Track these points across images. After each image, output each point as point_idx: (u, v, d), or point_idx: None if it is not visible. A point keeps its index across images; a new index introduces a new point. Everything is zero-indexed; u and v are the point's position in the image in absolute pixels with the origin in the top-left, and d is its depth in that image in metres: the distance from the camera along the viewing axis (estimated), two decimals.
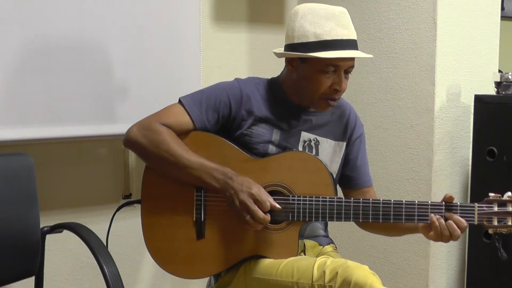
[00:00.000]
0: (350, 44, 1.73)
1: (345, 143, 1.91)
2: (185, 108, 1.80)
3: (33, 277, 1.98)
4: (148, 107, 2.28)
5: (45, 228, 1.98)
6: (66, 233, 2.00)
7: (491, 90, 2.65)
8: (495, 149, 2.52)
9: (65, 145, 2.36)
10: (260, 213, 1.67)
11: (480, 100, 2.61)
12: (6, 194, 1.87)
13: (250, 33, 2.83)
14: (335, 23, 1.71)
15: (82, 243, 1.87)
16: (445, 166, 2.59)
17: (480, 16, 2.67)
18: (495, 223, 1.70)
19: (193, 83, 2.46)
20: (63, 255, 2.39)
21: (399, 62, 2.65)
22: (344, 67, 1.74)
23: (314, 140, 1.86)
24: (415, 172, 2.61)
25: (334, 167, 1.88)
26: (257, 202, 1.68)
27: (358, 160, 1.94)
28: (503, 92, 2.60)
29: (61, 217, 2.26)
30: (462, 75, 2.64)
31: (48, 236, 2.00)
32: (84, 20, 2.19)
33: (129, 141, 1.81)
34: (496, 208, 1.70)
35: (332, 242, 1.97)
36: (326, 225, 1.98)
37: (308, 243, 1.89)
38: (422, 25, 2.55)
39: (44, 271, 2.00)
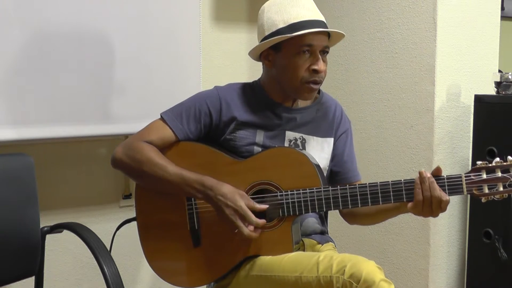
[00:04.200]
0: (318, 23, 1.77)
1: (332, 139, 1.92)
2: (166, 123, 1.83)
3: (33, 277, 1.98)
4: (148, 107, 2.29)
5: (45, 228, 1.99)
6: (66, 233, 2.00)
7: (491, 90, 2.65)
8: (495, 149, 2.52)
9: (65, 145, 2.36)
10: (245, 230, 1.70)
11: (480, 100, 2.61)
12: (6, 194, 1.87)
13: (250, 33, 2.83)
14: (300, 8, 1.78)
15: (82, 243, 1.87)
16: (445, 166, 2.58)
17: (480, 16, 2.67)
18: (486, 190, 1.65)
19: (193, 83, 2.47)
20: (63, 255, 2.39)
21: (399, 62, 2.65)
22: (318, 47, 1.77)
23: (300, 138, 1.87)
24: (415, 172, 2.59)
25: (324, 164, 1.88)
26: (242, 218, 1.70)
27: (344, 156, 1.94)
28: (503, 92, 2.60)
29: (61, 217, 2.26)
30: (462, 75, 2.64)
31: (48, 236, 2.00)
32: (84, 20, 2.20)
33: (115, 161, 1.86)
34: (484, 176, 1.65)
35: (332, 241, 1.97)
36: (322, 220, 1.97)
37: (307, 241, 1.89)
38: (422, 25, 2.55)
39: (44, 271, 2.00)
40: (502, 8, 3.03)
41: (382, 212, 1.84)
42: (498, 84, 2.61)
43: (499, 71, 2.75)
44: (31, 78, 2.11)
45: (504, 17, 3.12)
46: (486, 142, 2.56)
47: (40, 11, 2.10)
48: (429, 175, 1.68)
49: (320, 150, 1.89)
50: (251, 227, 1.71)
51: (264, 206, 1.73)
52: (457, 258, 2.71)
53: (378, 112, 2.74)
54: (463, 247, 2.73)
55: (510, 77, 2.59)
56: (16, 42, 2.07)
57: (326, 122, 1.92)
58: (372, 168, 2.75)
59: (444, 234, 2.64)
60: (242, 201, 1.70)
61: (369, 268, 1.58)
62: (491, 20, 2.74)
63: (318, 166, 1.80)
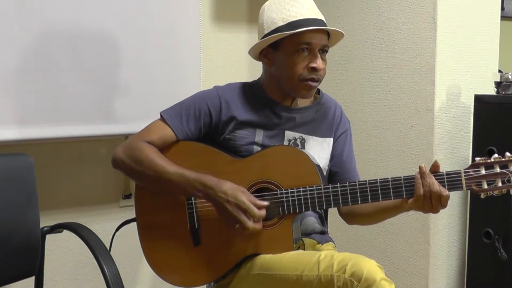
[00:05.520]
0: (317, 22, 1.78)
1: (332, 139, 1.92)
2: (166, 122, 1.84)
3: (33, 277, 1.98)
4: (148, 107, 2.30)
5: (45, 228, 1.99)
6: (66, 233, 2.00)
7: (491, 90, 2.65)
8: (495, 149, 2.51)
9: (65, 145, 2.36)
10: (249, 224, 1.69)
11: (480, 100, 2.61)
12: (6, 194, 1.87)
13: (250, 33, 2.83)
14: (300, 6, 1.79)
15: (82, 243, 1.87)
16: (445, 166, 2.58)
17: (480, 16, 2.67)
18: (485, 186, 1.67)
19: (193, 83, 2.47)
20: (63, 255, 2.40)
21: (399, 62, 2.65)
22: (317, 46, 1.78)
23: (299, 138, 1.87)
24: (415, 172, 2.60)
25: (323, 164, 1.89)
26: (245, 212, 1.69)
27: (343, 156, 1.94)
28: (503, 92, 2.60)
29: (61, 217, 2.26)
30: (462, 75, 2.64)
31: (48, 236, 2.00)
32: (84, 20, 2.20)
33: (115, 162, 1.86)
34: (483, 171, 1.67)
35: (332, 241, 1.97)
36: (322, 220, 1.97)
37: (307, 241, 1.89)
38: (422, 25, 2.55)
39: (44, 271, 2.01)
40: (502, 8, 3.03)
41: (381, 212, 1.84)
42: (498, 84, 2.61)
43: (499, 71, 2.75)
44: (31, 78, 2.11)
45: (504, 17, 3.11)
46: (486, 142, 2.56)
47: (40, 11, 2.10)
48: (428, 170, 1.68)
49: (319, 150, 1.89)
50: (257, 223, 1.71)
51: (265, 203, 1.73)
52: (457, 258, 2.71)
53: (378, 112, 2.74)
54: (463, 247, 2.73)
55: (510, 77, 2.59)
56: (16, 42, 2.07)
57: (326, 122, 1.92)
58: (372, 168, 2.74)
59: (444, 234, 2.64)
60: (243, 195, 1.70)
61: (370, 267, 1.58)
62: (491, 20, 2.74)
63: (318, 166, 1.81)
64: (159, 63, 2.38)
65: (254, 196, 1.76)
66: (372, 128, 2.76)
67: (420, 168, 1.69)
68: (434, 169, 1.70)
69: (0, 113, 2.06)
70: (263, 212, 1.71)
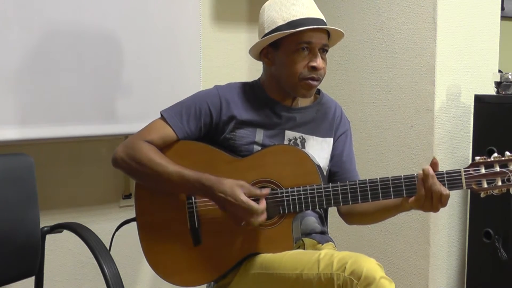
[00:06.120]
0: (318, 21, 1.78)
1: (332, 139, 1.93)
2: (166, 122, 1.84)
3: (33, 277, 1.98)
4: (148, 107, 2.30)
5: (45, 228, 1.99)
6: (66, 233, 2.01)
7: (491, 90, 2.65)
8: (495, 149, 2.51)
9: (65, 145, 2.36)
10: (256, 220, 1.70)
11: (480, 100, 2.61)
12: (6, 194, 1.87)
13: (250, 33, 2.84)
14: (300, 6, 1.79)
15: (82, 243, 1.87)
16: (445, 166, 2.58)
17: (480, 16, 2.67)
18: (485, 185, 1.67)
19: (193, 83, 2.47)
20: (63, 255, 2.40)
21: (399, 62, 2.65)
22: (317, 45, 1.78)
23: (300, 138, 1.88)
24: (415, 172, 2.60)
25: (323, 164, 1.89)
26: (246, 211, 1.69)
27: (343, 156, 1.95)
28: (503, 92, 2.60)
29: (61, 217, 2.26)
30: (462, 75, 2.64)
31: (48, 236, 2.00)
32: (84, 20, 2.20)
33: (115, 161, 1.86)
34: (483, 170, 1.67)
35: (332, 241, 1.97)
36: (322, 220, 1.97)
37: (307, 241, 1.89)
38: (422, 25, 2.55)
39: (44, 271, 2.01)
40: (502, 8, 3.03)
41: (381, 211, 1.84)
42: (498, 84, 2.61)
43: (499, 71, 2.75)
44: (31, 78, 2.11)
45: (504, 17, 3.11)
46: (486, 142, 2.56)
47: (40, 11, 2.10)
48: (432, 172, 1.68)
49: (319, 150, 1.89)
50: (260, 216, 1.71)
51: (265, 191, 1.73)
52: (457, 258, 2.71)
53: (378, 112, 2.74)
54: (463, 247, 2.73)
55: (510, 77, 2.59)
56: (16, 42, 2.07)
57: (326, 122, 1.93)
58: (372, 168, 2.75)
59: (444, 234, 2.64)
60: (242, 193, 1.70)
61: (370, 265, 1.58)
62: (491, 20, 2.74)
63: (318, 165, 1.81)
64: (159, 63, 2.38)
65: (254, 198, 1.76)
66: (372, 128, 2.76)
67: (423, 170, 1.69)
68: (433, 166, 1.70)
69: (0, 113, 2.06)
70: (263, 205, 1.71)
